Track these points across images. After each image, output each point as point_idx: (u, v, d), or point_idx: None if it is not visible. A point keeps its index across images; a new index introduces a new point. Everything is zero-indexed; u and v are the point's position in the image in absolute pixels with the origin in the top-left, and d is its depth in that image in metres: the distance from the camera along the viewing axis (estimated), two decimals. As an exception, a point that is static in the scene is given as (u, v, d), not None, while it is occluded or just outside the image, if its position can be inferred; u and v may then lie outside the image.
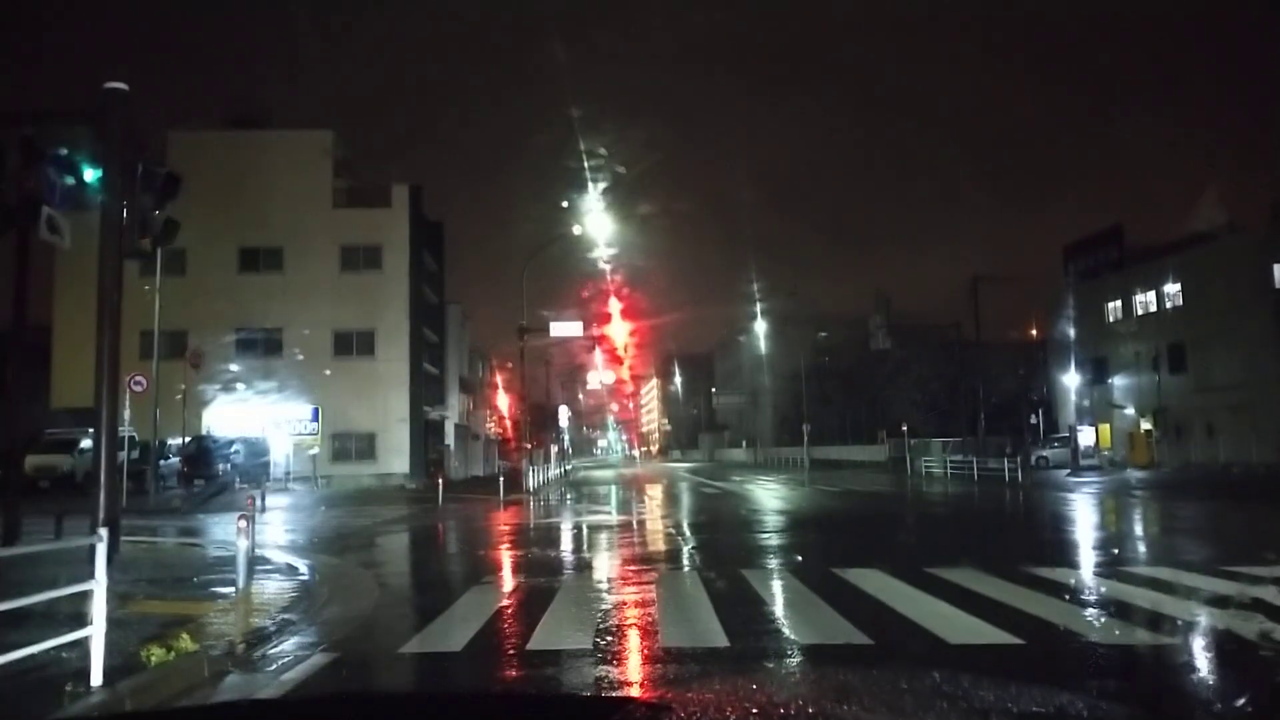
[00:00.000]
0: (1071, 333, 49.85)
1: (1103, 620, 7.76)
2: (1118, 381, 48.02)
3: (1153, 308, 46.15)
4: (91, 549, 6.01)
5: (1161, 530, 17.28)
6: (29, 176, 7.89)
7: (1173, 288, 44.59)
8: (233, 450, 32.34)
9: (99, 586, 5.81)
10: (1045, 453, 44.07)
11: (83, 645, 5.69)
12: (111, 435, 7.98)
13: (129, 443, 24.40)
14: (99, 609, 5.73)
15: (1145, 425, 44.80)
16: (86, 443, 26.26)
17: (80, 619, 5.97)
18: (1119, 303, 48.80)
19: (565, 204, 34.22)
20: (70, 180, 7.83)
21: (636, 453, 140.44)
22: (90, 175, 7.81)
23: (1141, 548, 14.59)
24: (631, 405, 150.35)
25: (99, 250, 7.89)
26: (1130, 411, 46.85)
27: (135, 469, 25.71)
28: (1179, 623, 7.51)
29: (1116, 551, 13.37)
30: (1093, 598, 8.95)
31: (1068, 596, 8.83)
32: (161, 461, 29.36)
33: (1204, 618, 7.66)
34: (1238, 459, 37.47)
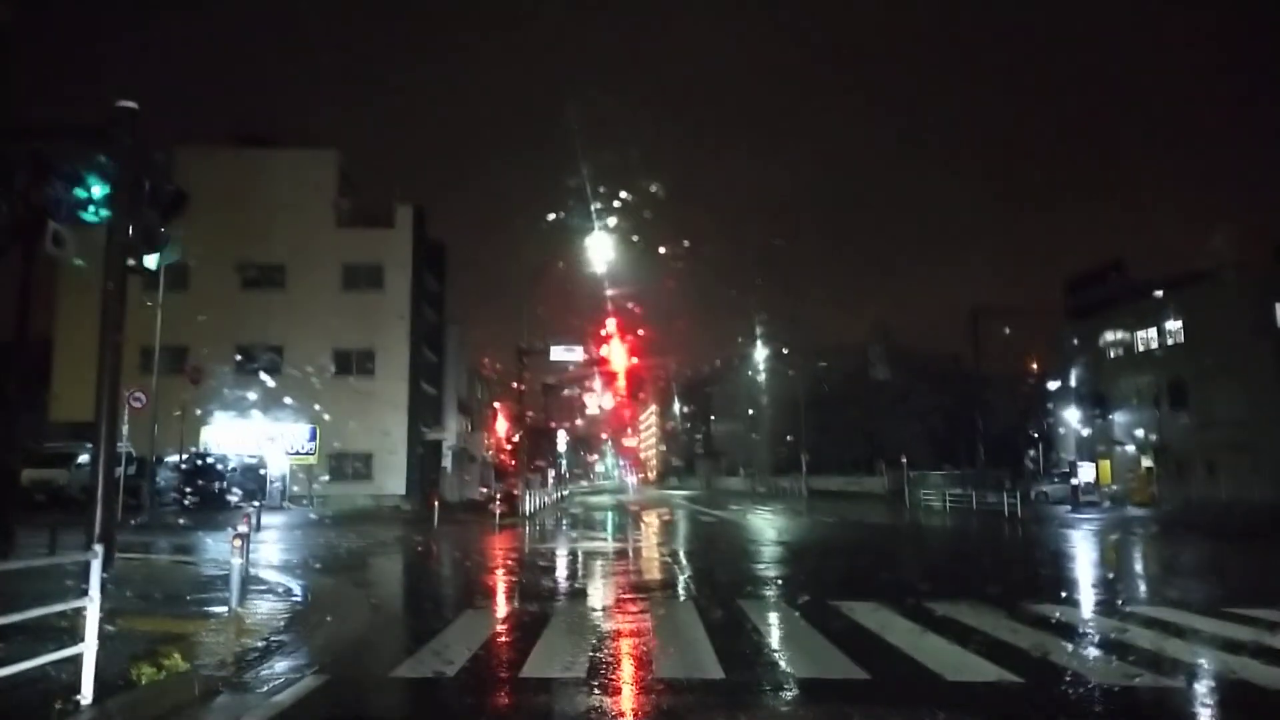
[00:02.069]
0: (1072, 368, 49.87)
1: (1103, 660, 7.69)
2: (1118, 417, 47.94)
3: (1154, 344, 46.15)
4: (86, 565, 5.97)
5: (1162, 569, 17.18)
6: (37, 191, 7.91)
7: (1174, 324, 44.61)
8: (230, 468, 32.21)
9: (92, 603, 5.76)
10: (1045, 488, 43.89)
11: (73, 661, 5.63)
12: (110, 450, 7.94)
13: (126, 458, 24.30)
14: (91, 626, 5.68)
15: (1146, 462, 44.66)
16: (84, 457, 26.18)
17: (72, 634, 5.92)
18: (1120, 338, 48.84)
19: (572, 235, 34.36)
20: (77, 195, 7.84)
21: (634, 479, 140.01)
22: (97, 191, 7.82)
23: (1142, 586, 14.49)
24: (630, 431, 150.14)
25: (103, 265, 7.89)
26: (1131, 448, 46.74)
27: (132, 485, 25.60)
28: (1181, 664, 7.43)
29: (1117, 590, 13.30)
30: (1093, 636, 8.88)
31: (1067, 634, 8.76)
32: (159, 478, 29.24)
33: (1206, 660, 7.58)
34: (1239, 497, 37.29)
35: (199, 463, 31.70)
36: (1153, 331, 46.20)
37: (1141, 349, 47.13)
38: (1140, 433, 45.77)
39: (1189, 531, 25.12)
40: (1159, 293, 44.95)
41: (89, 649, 5.61)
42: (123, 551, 12.81)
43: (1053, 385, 52.52)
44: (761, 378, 75.51)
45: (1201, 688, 6.87)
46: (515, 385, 42.96)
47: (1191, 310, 43.10)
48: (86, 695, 5.51)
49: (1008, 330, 52.19)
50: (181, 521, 24.86)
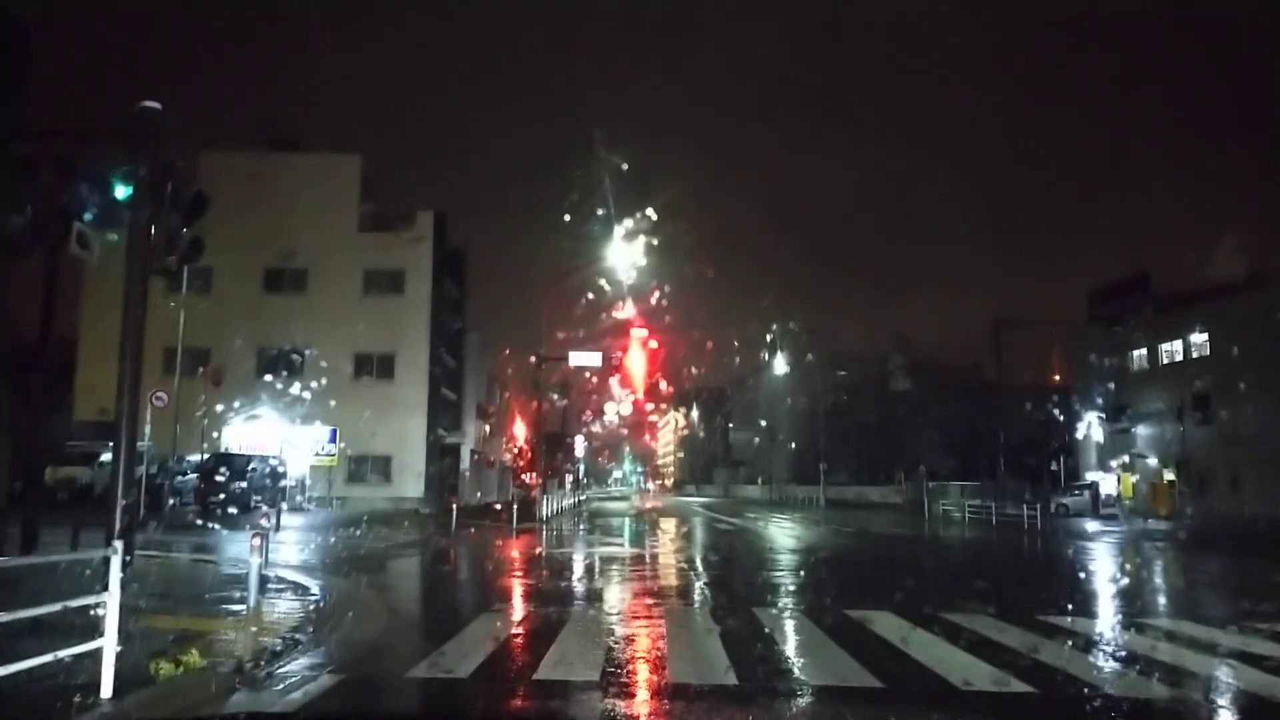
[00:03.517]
0: (1094, 379, 49.48)
1: (1119, 672, 7.62)
2: (1141, 430, 47.51)
3: (1178, 356, 45.71)
4: (106, 561, 6.05)
5: (1183, 583, 16.98)
6: (62, 193, 8.04)
7: (1199, 337, 44.16)
8: (250, 469, 32.45)
9: (112, 599, 5.83)
10: (1065, 500, 43.50)
11: (93, 657, 5.70)
12: (130, 450, 8.03)
13: (147, 458, 24.55)
14: (111, 622, 5.75)
15: (1168, 475, 44.20)
16: (106, 456, 26.46)
17: (92, 630, 6.00)
18: (1144, 351, 48.40)
19: (591, 240, 34.47)
20: (101, 197, 7.96)
21: (651, 486, 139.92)
22: (121, 193, 7.94)
23: (1161, 600, 14.34)
24: (648, 438, 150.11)
25: (125, 266, 8.00)
26: (1153, 461, 46.29)
27: (153, 484, 25.84)
28: (1198, 677, 7.35)
29: (1135, 603, 13.16)
30: (1109, 648, 8.80)
31: (1084, 646, 8.68)
32: (179, 478, 29.50)
33: (1224, 673, 7.49)
34: (1263, 512, 36.84)
35: (220, 463, 31.92)
36: (1177, 344, 45.77)
37: (1165, 361, 46.69)
38: (1163, 445, 45.33)
39: (1210, 545, 24.84)
40: (1184, 305, 44.55)
41: (108, 644, 5.68)
42: (143, 550, 12.94)
43: (1074, 397, 52.14)
44: (780, 387, 75.29)
45: (1218, 701, 6.80)
46: (533, 391, 43.08)
47: (1216, 322, 42.68)
48: (106, 690, 5.58)
49: (1030, 342, 51.91)
50: (201, 521, 25.05)
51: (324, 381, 39.04)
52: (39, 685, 5.54)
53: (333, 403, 38.50)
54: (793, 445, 74.67)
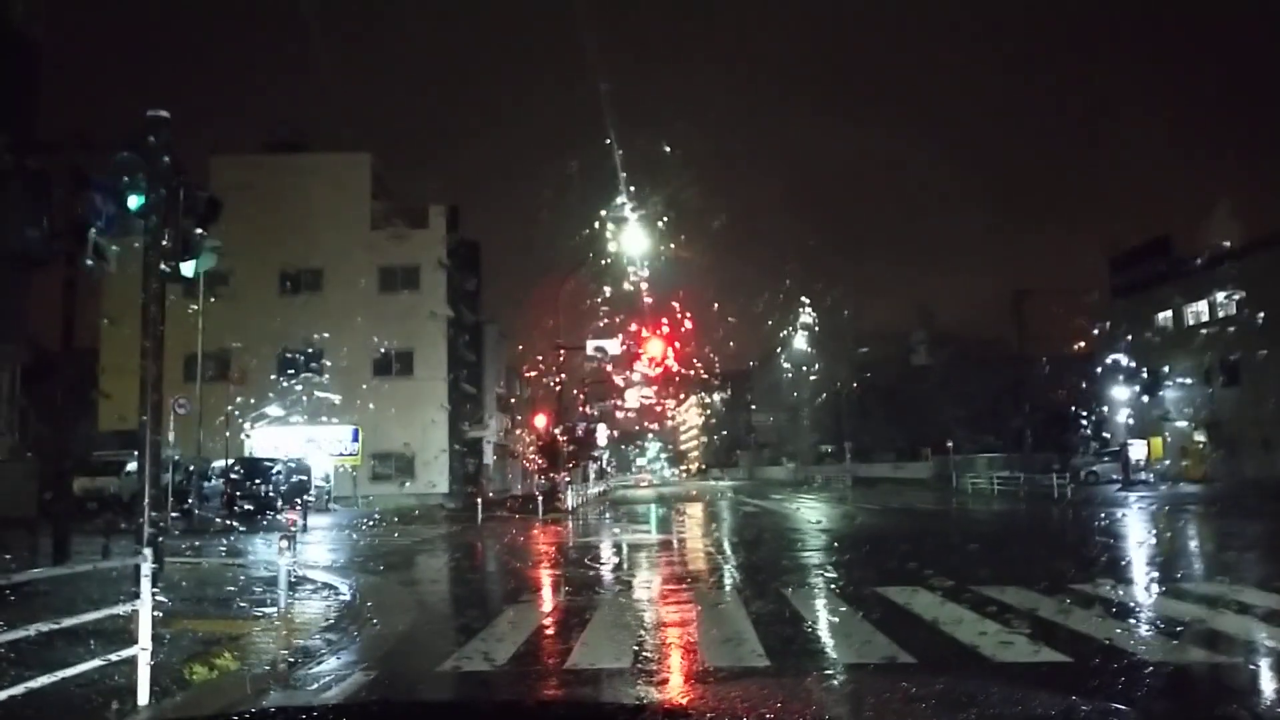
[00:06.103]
0: (1120, 345, 48.97)
1: (1154, 638, 7.55)
2: (1169, 394, 46.97)
3: (1205, 318, 45.17)
4: (136, 569, 6.09)
5: (1216, 546, 16.81)
6: (76, 203, 8.08)
7: (1225, 297, 43.59)
8: (275, 471, 32.68)
9: (144, 606, 5.87)
10: (1095, 467, 43.18)
11: (128, 663, 5.75)
12: (155, 458, 8.09)
13: (174, 464, 24.76)
14: (144, 628, 5.79)
15: (1198, 438, 43.75)
16: (133, 465, 26.71)
17: (126, 637, 6.05)
18: (1169, 314, 47.84)
19: (607, 226, 34.40)
20: (115, 206, 7.99)
21: (676, 471, 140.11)
22: (134, 201, 7.96)
23: (1196, 564, 14.21)
24: (670, 423, 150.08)
25: (142, 275, 8.03)
26: (1182, 425, 45.80)
27: (180, 491, 26.07)
28: (1235, 641, 7.27)
29: (1169, 568, 13.04)
30: (1144, 615, 8.71)
31: (1118, 614, 8.60)
32: (205, 483, 29.75)
33: (1263, 636, 7.40)
34: (1295, 473, 36.33)
35: (244, 467, 32.14)
36: (1203, 305, 45.17)
37: (1191, 324, 46.11)
38: (1192, 409, 44.83)
39: (1243, 508, 24.57)
40: (1207, 266, 43.91)
41: (143, 651, 5.72)
42: (172, 556, 13.05)
43: (1100, 364, 51.64)
44: (802, 366, 74.99)
45: (1257, 665, 6.71)
46: (554, 381, 43.22)
47: (1243, 283, 42.05)
48: (142, 696, 5.62)
49: (1052, 311, 51.43)
50: (229, 525, 25.27)
51: (344, 380, 39.24)
52: (77, 693, 5.59)
53: (354, 401, 38.70)
54: (816, 425, 74.42)
